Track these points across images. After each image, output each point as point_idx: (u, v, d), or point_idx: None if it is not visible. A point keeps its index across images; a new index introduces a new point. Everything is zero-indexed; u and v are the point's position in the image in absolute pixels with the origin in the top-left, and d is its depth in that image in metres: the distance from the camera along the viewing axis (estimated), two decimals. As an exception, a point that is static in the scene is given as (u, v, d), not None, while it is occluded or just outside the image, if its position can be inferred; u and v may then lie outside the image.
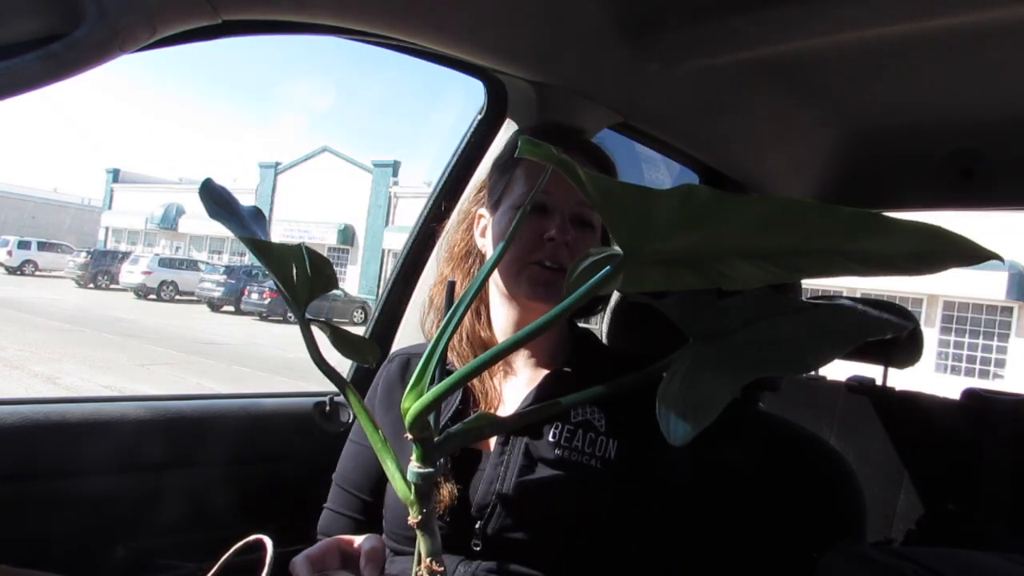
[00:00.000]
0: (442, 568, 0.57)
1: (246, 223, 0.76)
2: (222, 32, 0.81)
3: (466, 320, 1.05)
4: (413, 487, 0.56)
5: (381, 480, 1.03)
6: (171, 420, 1.27)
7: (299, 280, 0.69)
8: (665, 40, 1.23)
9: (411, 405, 0.54)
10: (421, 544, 0.57)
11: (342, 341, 0.72)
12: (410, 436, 0.54)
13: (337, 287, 0.74)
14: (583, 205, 1.00)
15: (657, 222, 0.45)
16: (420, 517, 0.56)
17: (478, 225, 1.10)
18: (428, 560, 0.57)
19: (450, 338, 0.57)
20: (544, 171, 0.99)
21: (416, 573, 0.58)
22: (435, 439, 0.55)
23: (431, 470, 0.55)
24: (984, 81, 1.35)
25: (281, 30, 0.90)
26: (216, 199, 0.75)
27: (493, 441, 0.96)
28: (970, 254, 0.44)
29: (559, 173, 1.00)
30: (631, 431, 0.98)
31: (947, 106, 1.51)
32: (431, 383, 0.55)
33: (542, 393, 1.00)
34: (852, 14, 1.09)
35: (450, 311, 0.58)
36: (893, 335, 0.54)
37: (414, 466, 0.55)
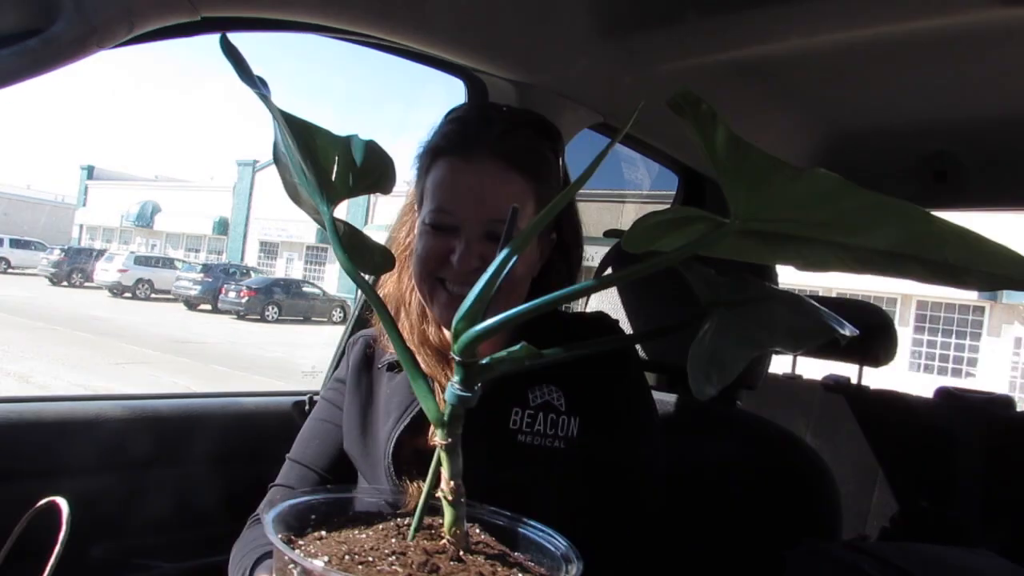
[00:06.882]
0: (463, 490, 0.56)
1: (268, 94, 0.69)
2: (201, 29, 0.81)
3: (416, 327, 1.00)
4: (449, 407, 0.55)
5: (341, 461, 1.02)
6: (149, 419, 1.25)
7: (339, 176, 0.65)
8: (645, 41, 1.23)
9: (464, 329, 0.53)
10: (445, 466, 0.56)
11: (354, 245, 0.66)
12: (457, 358, 0.54)
13: (388, 192, 0.67)
14: (497, 222, 0.90)
15: (780, 196, 0.46)
16: (450, 440, 0.56)
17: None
18: (452, 482, 0.56)
19: (511, 268, 0.54)
20: (449, 187, 0.91)
21: (438, 494, 0.57)
22: (480, 363, 0.54)
23: (470, 395, 0.54)
24: (957, 84, 1.37)
25: (261, 27, 0.90)
26: (241, 63, 0.67)
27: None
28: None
29: (466, 188, 0.94)
30: (591, 406, 0.97)
31: (921, 109, 1.53)
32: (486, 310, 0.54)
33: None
34: (830, 18, 1.10)
35: (510, 245, 0.54)
36: (841, 338, 0.59)
37: (455, 387, 0.54)
